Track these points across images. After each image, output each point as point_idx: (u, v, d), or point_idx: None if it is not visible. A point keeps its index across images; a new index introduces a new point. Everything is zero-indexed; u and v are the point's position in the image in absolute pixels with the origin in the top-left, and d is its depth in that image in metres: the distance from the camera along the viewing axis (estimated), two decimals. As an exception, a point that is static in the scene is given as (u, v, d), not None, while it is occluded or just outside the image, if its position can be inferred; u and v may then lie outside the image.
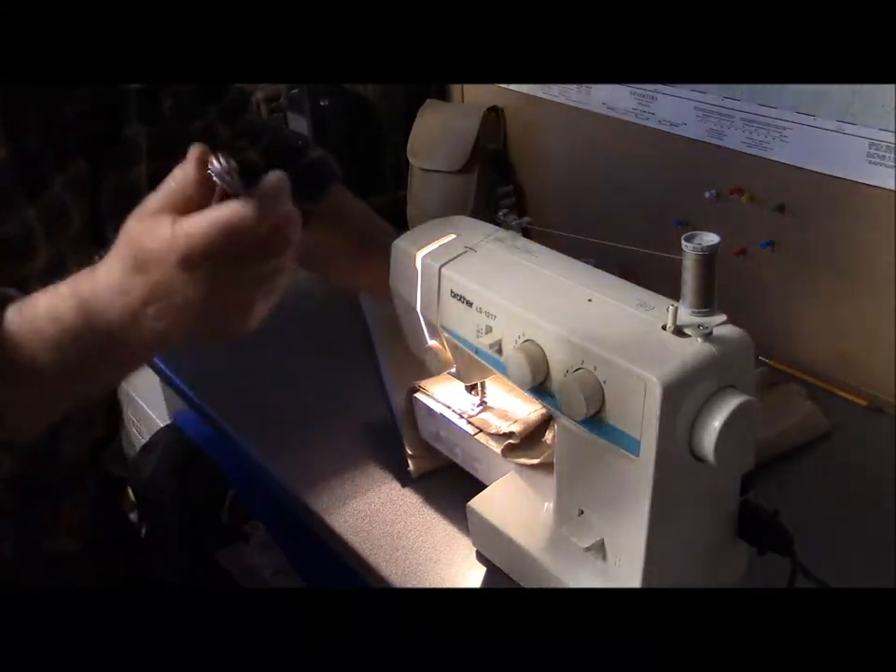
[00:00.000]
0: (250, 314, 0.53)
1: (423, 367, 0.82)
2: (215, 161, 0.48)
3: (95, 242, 0.69)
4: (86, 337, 0.53)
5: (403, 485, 0.88)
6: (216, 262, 0.49)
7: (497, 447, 0.78)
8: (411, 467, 0.88)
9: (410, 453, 0.88)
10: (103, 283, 0.52)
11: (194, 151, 0.49)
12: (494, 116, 1.36)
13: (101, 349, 0.54)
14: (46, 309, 0.54)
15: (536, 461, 0.77)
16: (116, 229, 0.52)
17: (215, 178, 0.48)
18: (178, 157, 0.50)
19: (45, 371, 0.54)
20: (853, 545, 0.78)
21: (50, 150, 0.65)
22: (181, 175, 0.50)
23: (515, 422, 0.80)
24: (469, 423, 0.83)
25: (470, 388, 0.84)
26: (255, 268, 0.51)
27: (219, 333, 0.54)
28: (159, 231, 0.49)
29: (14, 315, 0.55)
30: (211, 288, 0.50)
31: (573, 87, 1.23)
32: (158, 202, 0.51)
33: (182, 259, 0.49)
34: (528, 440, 0.78)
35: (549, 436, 0.77)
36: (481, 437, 0.82)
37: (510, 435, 0.78)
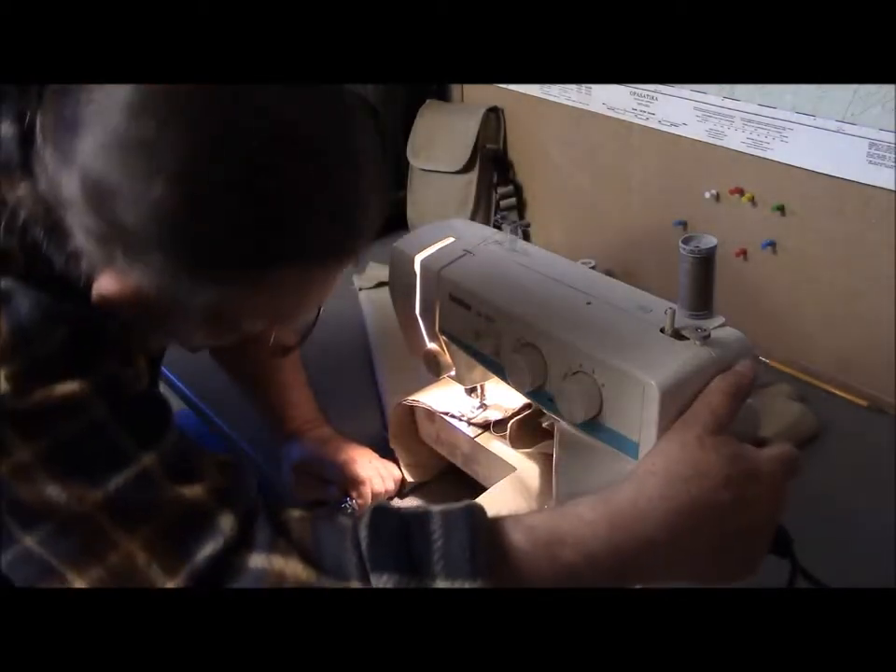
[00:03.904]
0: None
1: (420, 377, 0.82)
2: None
3: None
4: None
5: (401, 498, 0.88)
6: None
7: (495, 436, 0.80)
8: (407, 476, 0.88)
9: (404, 463, 0.88)
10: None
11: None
12: (494, 116, 1.36)
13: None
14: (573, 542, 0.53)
15: (530, 450, 0.78)
16: None
17: None
18: None
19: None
20: (853, 546, 0.78)
21: None
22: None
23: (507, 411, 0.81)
24: (470, 425, 0.83)
25: (470, 391, 0.84)
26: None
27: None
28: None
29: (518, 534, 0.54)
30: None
31: (573, 87, 1.23)
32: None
33: None
34: (523, 429, 0.78)
35: (545, 425, 0.77)
36: (481, 439, 0.82)
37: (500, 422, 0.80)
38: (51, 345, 0.51)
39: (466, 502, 0.56)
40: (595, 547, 0.52)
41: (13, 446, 0.50)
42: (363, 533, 0.52)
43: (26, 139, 0.48)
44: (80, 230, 0.48)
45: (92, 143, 0.46)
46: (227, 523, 0.52)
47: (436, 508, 0.55)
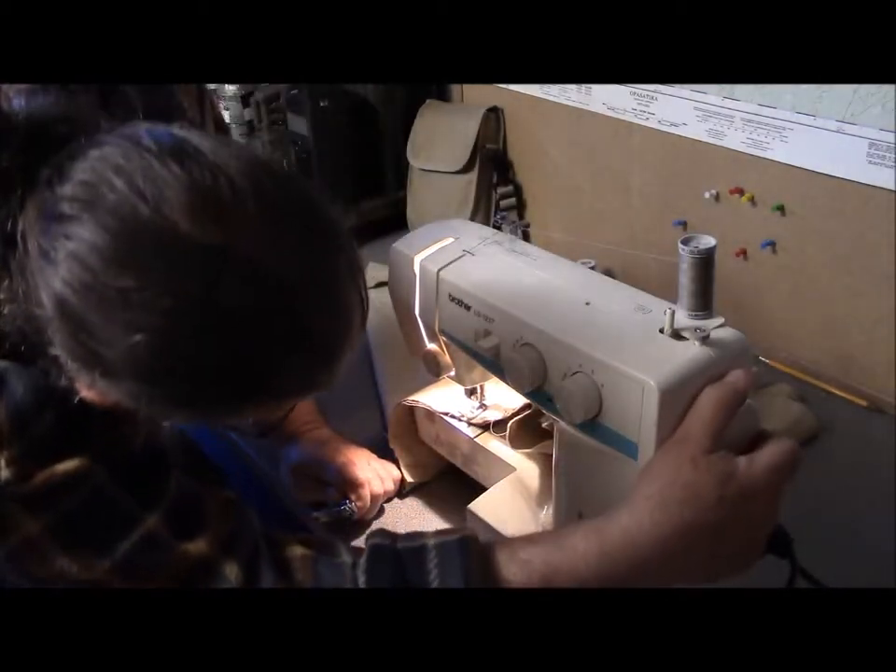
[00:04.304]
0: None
1: (419, 378, 0.81)
2: None
3: None
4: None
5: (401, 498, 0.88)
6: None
7: (495, 437, 0.80)
8: (406, 477, 0.88)
9: (404, 463, 0.88)
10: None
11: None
12: (494, 116, 1.36)
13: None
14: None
15: (529, 450, 0.78)
16: None
17: None
18: None
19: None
20: (853, 546, 0.78)
21: None
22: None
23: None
24: (470, 426, 0.83)
25: (470, 391, 0.84)
26: None
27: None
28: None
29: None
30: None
31: (573, 87, 1.22)
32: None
33: None
34: (523, 429, 0.78)
35: (544, 425, 0.77)
36: (481, 439, 0.82)
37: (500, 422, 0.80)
38: (48, 425, 0.51)
39: (461, 533, 0.57)
40: (588, 576, 0.54)
41: (19, 523, 0.50)
42: (361, 578, 0.55)
43: (7, 239, 0.47)
44: (58, 345, 0.47)
45: (69, 277, 0.45)
46: (231, 571, 0.54)
47: (431, 540, 0.56)
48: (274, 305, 0.46)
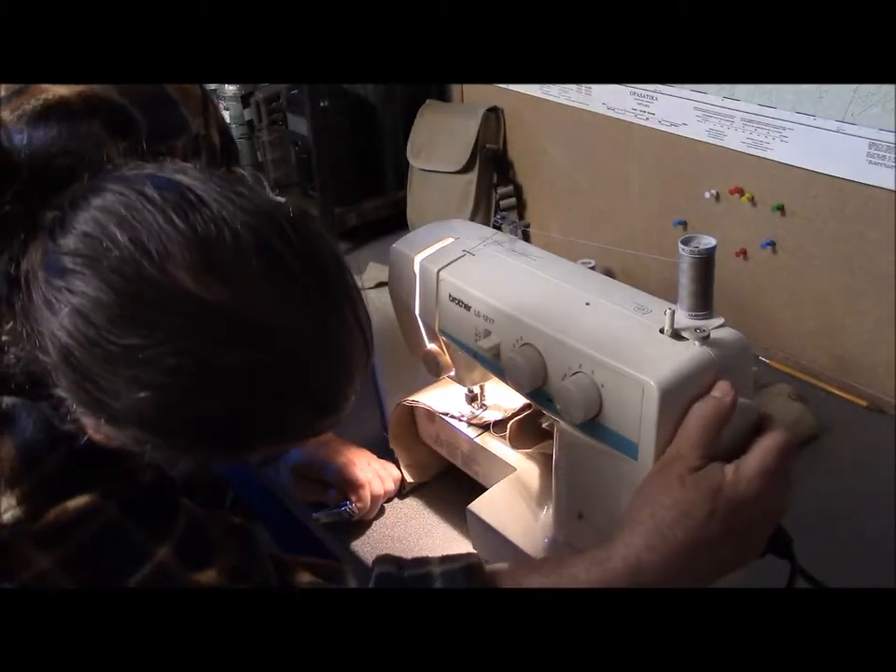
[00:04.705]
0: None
1: (420, 377, 0.81)
2: None
3: None
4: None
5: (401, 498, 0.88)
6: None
7: (495, 437, 0.80)
8: (407, 477, 0.88)
9: (404, 463, 0.88)
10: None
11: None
12: (494, 116, 1.36)
13: None
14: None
15: (530, 450, 0.77)
16: None
17: None
18: None
19: None
20: (853, 546, 0.78)
21: None
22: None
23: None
24: (470, 425, 0.83)
25: (470, 392, 0.84)
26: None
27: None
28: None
29: None
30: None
31: (573, 87, 1.23)
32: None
33: None
34: (523, 429, 0.78)
35: (544, 426, 0.77)
36: (481, 439, 0.82)
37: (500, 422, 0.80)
38: (58, 462, 0.51)
39: (466, 561, 0.58)
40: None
41: (31, 559, 0.50)
42: None
43: (10, 281, 0.47)
44: (63, 389, 0.47)
45: (74, 330, 0.45)
46: None
47: (437, 568, 0.57)
48: (278, 362, 0.46)
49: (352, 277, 0.52)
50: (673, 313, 0.58)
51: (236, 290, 0.45)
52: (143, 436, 0.47)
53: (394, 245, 0.78)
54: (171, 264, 0.44)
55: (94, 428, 0.49)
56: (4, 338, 0.48)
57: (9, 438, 0.50)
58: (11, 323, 0.48)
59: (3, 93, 0.57)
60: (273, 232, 0.47)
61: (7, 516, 0.49)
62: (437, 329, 0.75)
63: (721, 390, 0.56)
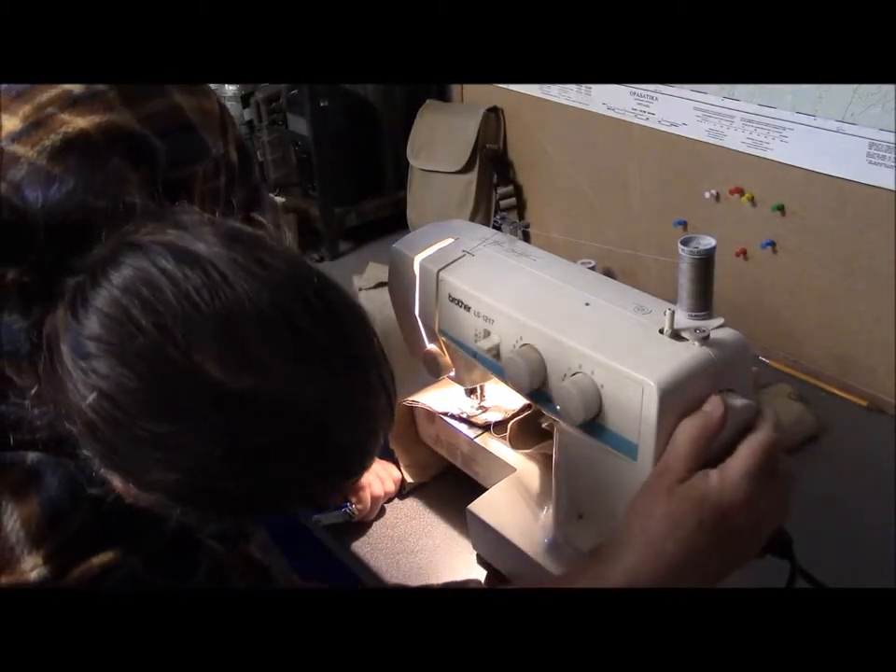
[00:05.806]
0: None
1: (420, 377, 0.81)
2: None
3: None
4: None
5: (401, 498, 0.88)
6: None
7: (495, 437, 0.80)
8: (407, 477, 0.88)
9: (404, 463, 0.88)
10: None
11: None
12: (494, 116, 1.36)
13: None
14: None
15: (530, 450, 0.77)
16: None
17: None
18: None
19: None
20: (853, 546, 0.78)
21: None
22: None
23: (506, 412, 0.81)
24: (470, 426, 0.83)
25: (470, 392, 0.84)
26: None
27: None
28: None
29: None
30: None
31: (573, 87, 1.23)
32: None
33: None
34: (523, 429, 0.78)
35: (544, 426, 0.77)
36: (481, 440, 0.82)
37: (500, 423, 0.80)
38: (84, 520, 0.51)
39: (466, 585, 0.57)
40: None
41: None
42: None
43: (34, 346, 0.47)
44: (90, 453, 0.47)
45: (100, 409, 0.44)
46: None
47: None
48: (305, 436, 0.46)
49: (376, 337, 0.52)
50: (673, 313, 0.58)
51: (264, 376, 0.45)
52: (171, 504, 0.47)
53: (394, 246, 0.78)
54: (197, 352, 0.43)
55: (122, 489, 0.49)
56: (29, 397, 0.48)
57: (35, 496, 0.50)
58: (37, 387, 0.47)
59: (20, 126, 0.56)
60: (297, 306, 0.46)
61: (34, 574, 0.49)
62: (437, 330, 0.75)
63: (712, 405, 0.56)
